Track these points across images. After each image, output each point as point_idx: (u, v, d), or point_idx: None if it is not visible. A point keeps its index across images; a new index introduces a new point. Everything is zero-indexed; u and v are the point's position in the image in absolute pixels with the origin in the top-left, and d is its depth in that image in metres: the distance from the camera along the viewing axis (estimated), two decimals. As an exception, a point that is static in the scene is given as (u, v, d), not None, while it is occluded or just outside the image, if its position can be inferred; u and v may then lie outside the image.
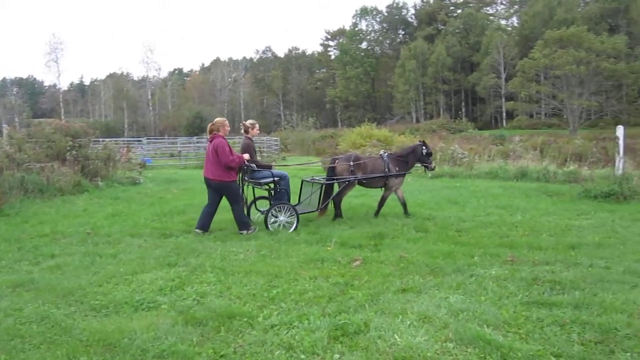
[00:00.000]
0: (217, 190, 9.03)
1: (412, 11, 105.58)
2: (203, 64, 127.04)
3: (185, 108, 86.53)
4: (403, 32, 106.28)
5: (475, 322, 4.73)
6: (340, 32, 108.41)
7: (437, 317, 4.85)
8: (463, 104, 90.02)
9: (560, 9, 77.10)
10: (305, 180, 10.52)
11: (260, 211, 10.26)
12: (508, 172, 17.35)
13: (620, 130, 13.74)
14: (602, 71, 55.37)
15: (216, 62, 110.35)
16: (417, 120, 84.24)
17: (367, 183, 10.53)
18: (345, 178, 10.08)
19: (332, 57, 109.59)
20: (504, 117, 77.39)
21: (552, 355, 4.14)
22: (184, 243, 8.15)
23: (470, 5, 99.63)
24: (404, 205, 10.46)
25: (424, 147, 10.71)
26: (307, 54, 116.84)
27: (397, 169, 10.39)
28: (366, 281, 6.02)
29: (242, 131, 10.02)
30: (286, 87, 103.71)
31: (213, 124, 9.12)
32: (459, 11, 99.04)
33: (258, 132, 10.14)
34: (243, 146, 9.67)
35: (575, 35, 56.08)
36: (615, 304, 5.12)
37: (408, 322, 4.74)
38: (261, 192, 10.53)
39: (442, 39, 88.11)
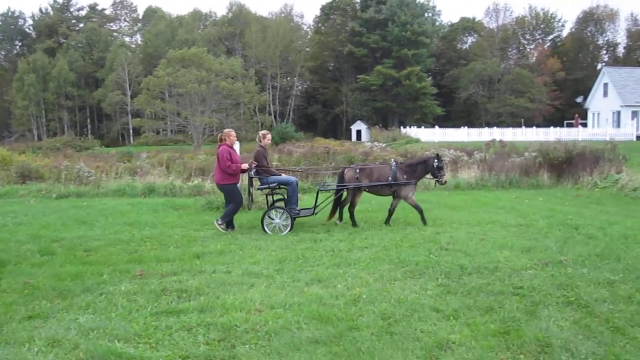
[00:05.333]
0: (222, 191, 10.48)
1: (30, 22, 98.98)
2: None
3: None
4: (20, 44, 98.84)
5: (106, 338, 4.81)
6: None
7: (67, 340, 4.80)
8: (89, 120, 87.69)
9: (181, 29, 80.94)
10: (320, 189, 11.29)
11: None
12: (136, 189, 17.36)
13: (236, 146, 14.99)
14: (221, 90, 59.54)
15: None
16: (40, 138, 79.29)
17: (373, 191, 11.16)
18: (353, 185, 10.85)
19: None
20: (131, 133, 77.69)
21: (180, 358, 4.46)
22: None
23: (93, 20, 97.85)
24: (421, 212, 10.86)
25: (436, 160, 11.05)
26: None
27: (405, 177, 10.84)
28: (-15, 314, 5.56)
29: (257, 140, 11.30)
30: None
31: (222, 134, 10.66)
32: (82, 25, 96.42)
33: (269, 141, 11.24)
34: (255, 153, 10.80)
35: (196, 55, 59.32)
36: (235, 303, 5.70)
37: (36, 349, 4.62)
38: (279, 196, 11.12)
39: (65, 53, 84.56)
